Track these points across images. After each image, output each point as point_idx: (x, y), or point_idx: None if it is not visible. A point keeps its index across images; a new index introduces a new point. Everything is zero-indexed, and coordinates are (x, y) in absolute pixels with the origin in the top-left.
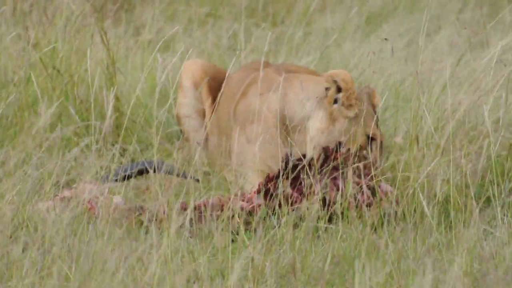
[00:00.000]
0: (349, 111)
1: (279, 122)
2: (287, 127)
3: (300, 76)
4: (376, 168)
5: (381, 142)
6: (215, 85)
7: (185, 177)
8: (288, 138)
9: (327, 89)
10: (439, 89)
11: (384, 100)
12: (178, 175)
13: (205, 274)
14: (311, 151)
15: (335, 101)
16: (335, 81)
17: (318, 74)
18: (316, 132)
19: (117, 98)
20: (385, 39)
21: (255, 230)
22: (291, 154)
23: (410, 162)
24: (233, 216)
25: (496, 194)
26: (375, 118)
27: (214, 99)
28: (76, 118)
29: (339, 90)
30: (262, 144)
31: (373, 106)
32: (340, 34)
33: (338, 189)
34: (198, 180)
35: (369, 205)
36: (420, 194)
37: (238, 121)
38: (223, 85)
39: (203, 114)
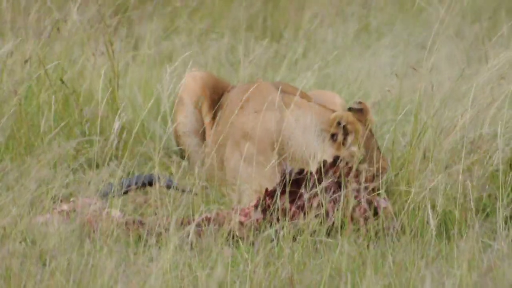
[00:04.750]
0: (358, 151)
1: (275, 145)
2: (283, 151)
3: (301, 101)
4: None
5: (384, 168)
6: (216, 97)
7: (184, 191)
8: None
9: (333, 135)
10: (439, 103)
11: (383, 115)
12: (177, 189)
13: None
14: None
15: (343, 143)
16: (340, 125)
17: (310, 97)
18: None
19: (117, 113)
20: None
21: (253, 243)
22: (288, 168)
23: (409, 176)
24: (231, 230)
25: (497, 207)
26: (376, 145)
27: (214, 114)
28: (77, 133)
29: (345, 133)
30: (257, 166)
31: (368, 123)
32: (339, 49)
33: (336, 203)
34: (196, 194)
35: (366, 218)
36: (429, 207)
37: (233, 137)
38: (222, 100)
39: (202, 134)
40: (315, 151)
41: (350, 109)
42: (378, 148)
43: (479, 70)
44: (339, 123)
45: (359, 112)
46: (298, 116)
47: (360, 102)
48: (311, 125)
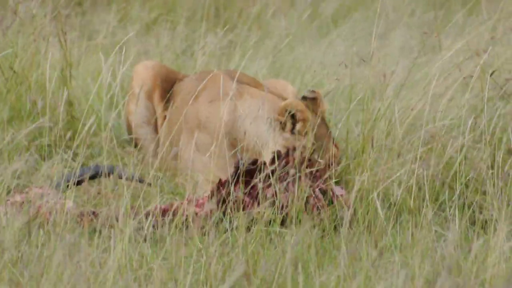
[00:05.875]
0: (305, 139)
1: (229, 135)
2: (236, 141)
3: (254, 91)
4: (328, 171)
5: (335, 156)
6: (168, 86)
7: (140, 181)
8: (238, 153)
9: (281, 123)
10: (392, 92)
11: (336, 104)
12: (130, 179)
13: (158, 279)
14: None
15: (292, 131)
16: (290, 113)
17: (262, 86)
18: (272, 156)
19: (69, 103)
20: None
21: (207, 234)
22: (241, 159)
23: (363, 165)
24: (185, 220)
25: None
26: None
27: (166, 103)
28: (28, 123)
29: (294, 121)
30: (211, 156)
31: (320, 112)
32: (292, 38)
33: (290, 193)
34: (150, 184)
35: (319, 208)
36: (376, 199)
37: (187, 126)
38: (174, 89)
39: (154, 124)
40: (267, 141)
41: (303, 98)
42: (330, 136)
43: (432, 59)
44: (289, 112)
45: (312, 100)
46: (250, 105)
47: (313, 91)
48: (262, 115)
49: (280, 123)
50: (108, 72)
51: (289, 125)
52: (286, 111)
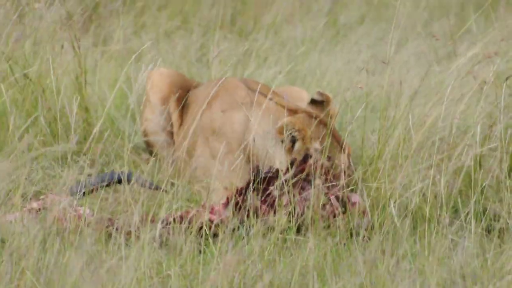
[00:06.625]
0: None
1: (241, 144)
2: (249, 150)
3: (266, 102)
4: (346, 178)
5: (349, 154)
6: (183, 93)
7: (156, 188)
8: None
9: (282, 141)
10: (407, 100)
11: (351, 111)
12: (146, 186)
13: (174, 286)
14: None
15: (292, 148)
16: (289, 133)
17: (276, 93)
18: (280, 166)
19: (85, 109)
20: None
21: (224, 241)
22: (258, 166)
23: (379, 172)
24: (201, 228)
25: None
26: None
27: (182, 110)
28: (45, 129)
29: (293, 140)
30: (225, 164)
31: (330, 117)
32: (307, 45)
33: (306, 200)
34: (165, 191)
35: (336, 215)
36: (392, 207)
37: (202, 133)
38: (189, 97)
39: (169, 131)
40: (274, 155)
41: (312, 101)
42: (340, 142)
43: (447, 66)
44: (288, 132)
45: (321, 103)
46: (260, 117)
47: (321, 94)
48: (269, 129)
49: (282, 141)
50: (124, 80)
51: (288, 144)
52: (284, 130)
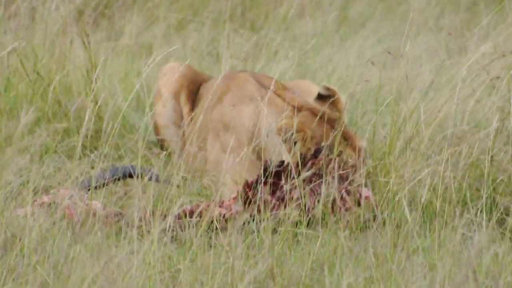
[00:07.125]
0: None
1: (252, 139)
2: (259, 145)
3: (274, 98)
4: (356, 172)
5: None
6: (194, 88)
7: (166, 182)
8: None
9: (284, 140)
10: (418, 95)
11: (362, 105)
12: (157, 181)
13: (185, 280)
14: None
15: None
16: (289, 133)
17: (286, 87)
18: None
19: (96, 103)
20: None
21: (233, 235)
22: (269, 161)
23: (390, 167)
24: (212, 222)
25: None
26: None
27: (193, 104)
28: (56, 124)
29: (293, 141)
30: (236, 158)
31: (339, 112)
32: (318, 40)
33: (316, 194)
34: (177, 186)
35: (347, 209)
36: (404, 200)
37: (213, 128)
38: (200, 91)
39: (180, 125)
40: (282, 150)
41: (318, 95)
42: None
43: (458, 61)
44: (287, 133)
45: (327, 98)
46: (267, 114)
47: (327, 88)
48: (274, 126)
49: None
50: (135, 74)
51: (288, 144)
52: (282, 131)
